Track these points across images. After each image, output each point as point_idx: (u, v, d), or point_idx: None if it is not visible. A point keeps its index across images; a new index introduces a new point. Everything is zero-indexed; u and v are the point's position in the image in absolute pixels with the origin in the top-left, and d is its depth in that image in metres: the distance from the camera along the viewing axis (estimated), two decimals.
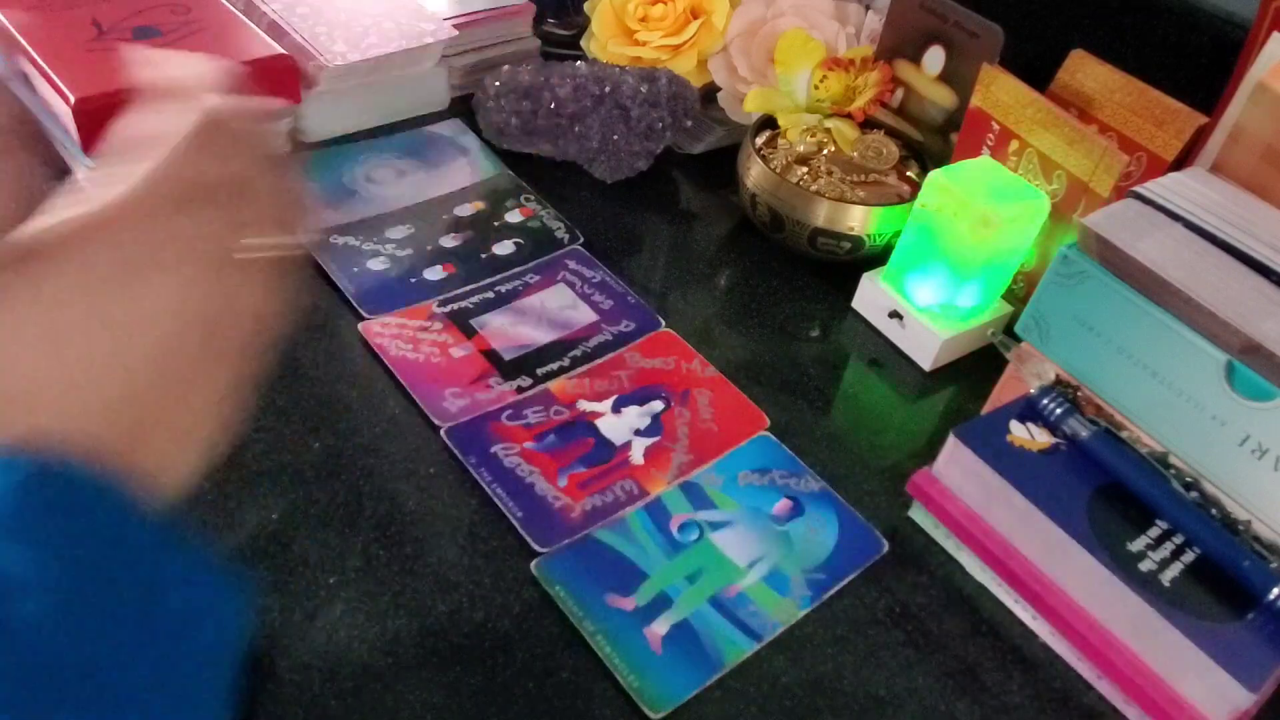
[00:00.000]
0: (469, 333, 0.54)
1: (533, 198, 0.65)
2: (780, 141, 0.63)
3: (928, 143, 0.64)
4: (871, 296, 0.58)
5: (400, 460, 0.46)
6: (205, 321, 0.30)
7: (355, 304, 0.54)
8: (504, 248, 0.60)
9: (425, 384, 0.50)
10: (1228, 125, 0.50)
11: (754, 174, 0.61)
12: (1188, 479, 0.42)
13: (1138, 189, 0.45)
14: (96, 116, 0.56)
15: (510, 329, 0.54)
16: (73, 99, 0.55)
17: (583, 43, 0.75)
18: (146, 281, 0.28)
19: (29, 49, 0.58)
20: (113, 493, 0.24)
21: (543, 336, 0.54)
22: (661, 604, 0.41)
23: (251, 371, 0.33)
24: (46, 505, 0.22)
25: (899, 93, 0.65)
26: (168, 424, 0.29)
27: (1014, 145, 0.54)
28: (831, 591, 0.43)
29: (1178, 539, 0.41)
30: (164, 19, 0.63)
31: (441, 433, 0.48)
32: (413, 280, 0.57)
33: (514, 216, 0.63)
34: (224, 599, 0.28)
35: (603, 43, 0.72)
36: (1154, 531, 0.41)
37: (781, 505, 0.47)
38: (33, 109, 0.61)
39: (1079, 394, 0.45)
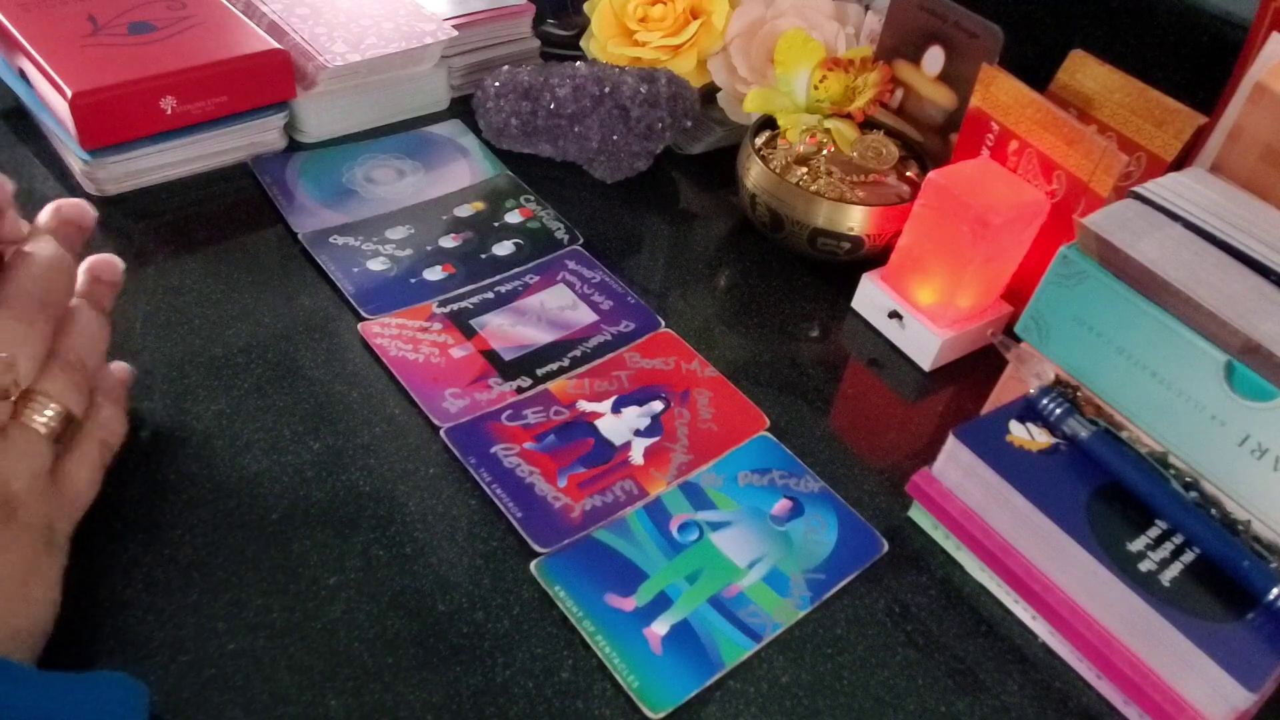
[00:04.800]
0: (469, 333, 0.54)
1: (532, 198, 0.65)
2: (780, 142, 0.63)
3: (927, 143, 0.64)
4: (871, 296, 0.58)
5: (400, 460, 0.46)
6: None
7: (355, 304, 0.54)
8: (504, 248, 0.60)
9: (425, 384, 0.50)
10: (1227, 125, 0.50)
11: (753, 174, 0.61)
12: (1187, 479, 0.42)
13: (1137, 189, 0.45)
14: (94, 111, 0.56)
15: (510, 329, 0.54)
16: (70, 93, 0.55)
17: (582, 43, 0.75)
18: None
19: (26, 45, 0.58)
20: None
21: (543, 337, 0.54)
22: (661, 604, 0.41)
23: (54, 529, 0.37)
24: None
25: (898, 93, 0.65)
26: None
27: (1014, 145, 0.54)
28: (831, 592, 0.43)
29: (1177, 539, 0.41)
30: (159, 14, 0.63)
31: (441, 433, 0.47)
32: (412, 280, 0.56)
33: (514, 217, 0.63)
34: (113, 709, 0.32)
35: (602, 43, 0.72)
36: (1154, 531, 0.41)
37: (781, 505, 0.47)
38: (30, 104, 0.61)
39: (1079, 394, 0.45)
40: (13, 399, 0.36)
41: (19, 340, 0.36)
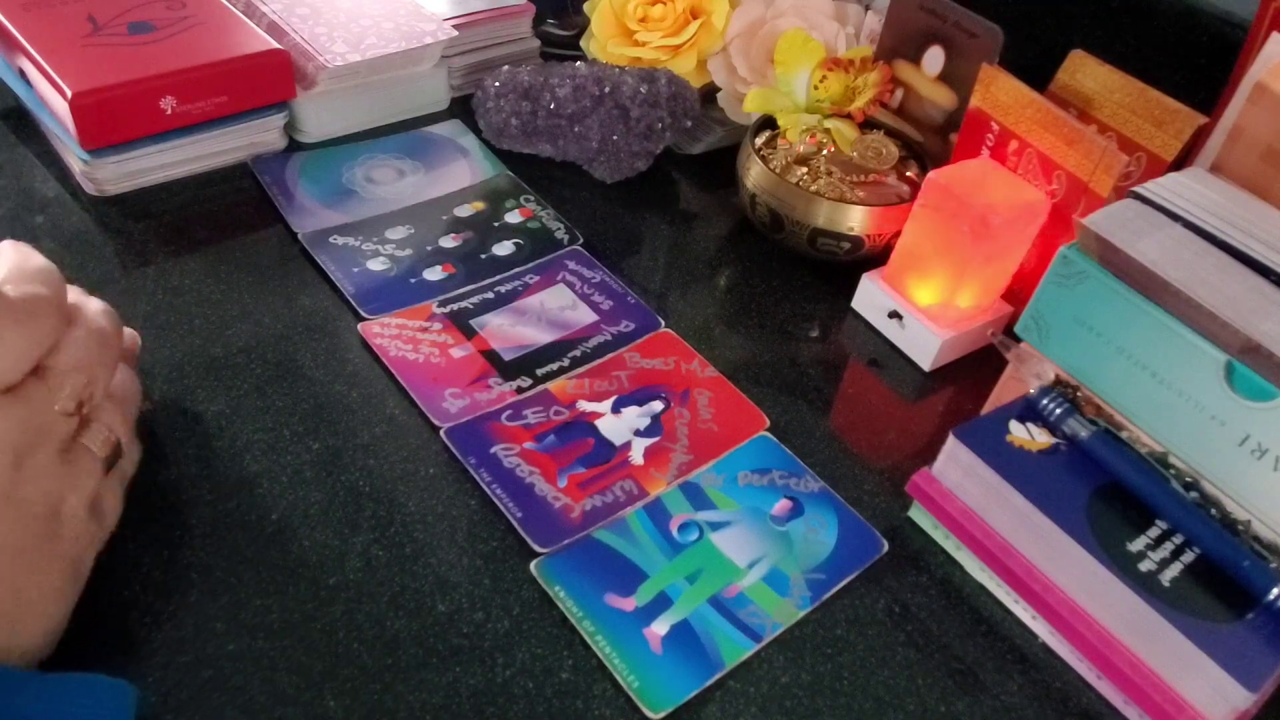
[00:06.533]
0: (469, 333, 0.53)
1: (532, 198, 0.65)
2: (780, 142, 0.63)
3: (927, 143, 0.64)
4: (871, 296, 0.58)
5: (400, 460, 0.46)
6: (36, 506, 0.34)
7: (355, 304, 0.54)
8: (504, 248, 0.60)
9: (425, 384, 0.50)
10: (1227, 125, 0.50)
11: (753, 174, 0.61)
12: (1188, 479, 0.42)
13: (1137, 189, 0.45)
14: (94, 111, 0.56)
15: (510, 329, 0.54)
16: (70, 93, 0.55)
17: (582, 43, 0.75)
18: None
19: (26, 45, 0.58)
20: None
21: (543, 337, 0.54)
22: (661, 604, 0.41)
23: (84, 556, 0.37)
24: None
25: (898, 93, 0.65)
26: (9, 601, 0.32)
27: (1013, 145, 0.54)
28: (831, 592, 0.43)
29: (1177, 539, 0.41)
30: (159, 14, 0.64)
31: (441, 433, 0.47)
32: (412, 280, 0.56)
33: (514, 217, 0.63)
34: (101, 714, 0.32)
35: (602, 43, 0.72)
36: (1154, 531, 0.41)
37: (781, 505, 0.47)
38: (30, 104, 0.61)
39: (1079, 394, 0.45)
40: (84, 412, 0.37)
41: (97, 361, 0.37)
